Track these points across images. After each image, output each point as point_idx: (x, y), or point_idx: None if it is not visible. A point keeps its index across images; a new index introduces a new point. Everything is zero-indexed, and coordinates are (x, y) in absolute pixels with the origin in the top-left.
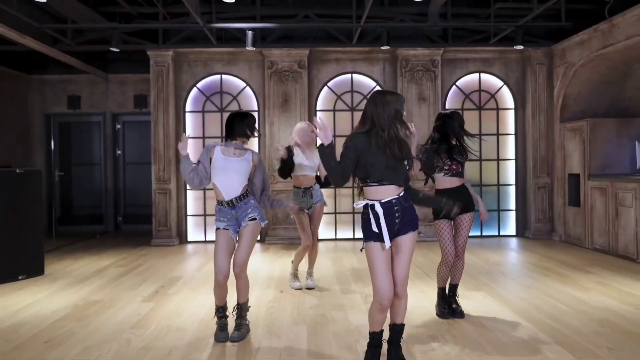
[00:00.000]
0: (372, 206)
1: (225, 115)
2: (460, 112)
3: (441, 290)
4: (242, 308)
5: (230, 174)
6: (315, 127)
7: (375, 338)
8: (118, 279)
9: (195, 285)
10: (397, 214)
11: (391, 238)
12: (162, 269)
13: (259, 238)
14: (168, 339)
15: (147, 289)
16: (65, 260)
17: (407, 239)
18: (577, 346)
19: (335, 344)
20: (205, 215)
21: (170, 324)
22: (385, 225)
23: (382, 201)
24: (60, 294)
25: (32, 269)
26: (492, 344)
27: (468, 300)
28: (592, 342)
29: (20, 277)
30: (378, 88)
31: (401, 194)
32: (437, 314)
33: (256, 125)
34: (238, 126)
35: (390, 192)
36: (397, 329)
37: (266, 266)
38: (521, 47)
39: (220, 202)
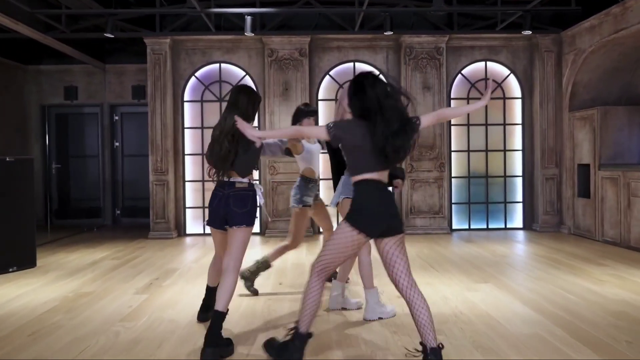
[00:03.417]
0: None
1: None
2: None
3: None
4: None
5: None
6: None
7: None
8: (112, 271)
9: (192, 276)
10: None
11: None
12: (158, 261)
13: (259, 231)
14: (159, 331)
15: (141, 281)
16: (58, 253)
17: None
18: (594, 340)
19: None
20: (204, 207)
21: (163, 315)
22: None
23: None
24: (51, 286)
25: (24, 260)
26: (504, 338)
27: (475, 292)
28: (610, 335)
29: (10, 270)
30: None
31: None
32: None
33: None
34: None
35: None
36: None
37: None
38: (529, 32)
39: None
